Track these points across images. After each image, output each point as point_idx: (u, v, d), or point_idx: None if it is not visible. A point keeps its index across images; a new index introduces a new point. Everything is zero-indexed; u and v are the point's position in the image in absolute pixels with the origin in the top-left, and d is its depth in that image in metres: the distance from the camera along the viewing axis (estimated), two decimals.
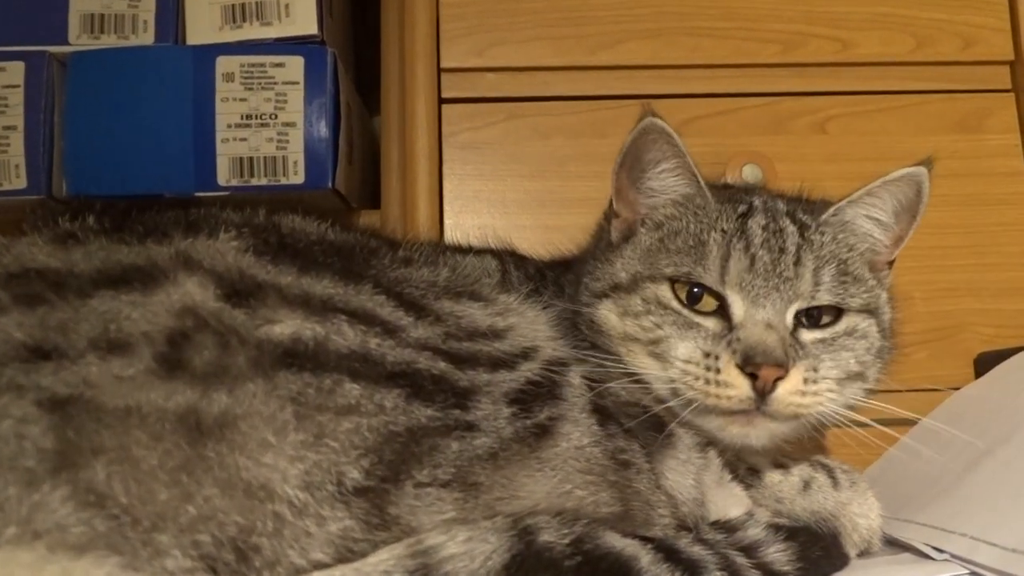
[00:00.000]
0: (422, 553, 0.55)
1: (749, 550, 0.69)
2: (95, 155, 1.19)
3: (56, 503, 0.50)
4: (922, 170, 0.83)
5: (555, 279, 0.94)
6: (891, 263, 0.88)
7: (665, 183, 0.85)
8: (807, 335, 0.79)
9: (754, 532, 0.72)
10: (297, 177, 1.19)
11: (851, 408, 0.81)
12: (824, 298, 0.80)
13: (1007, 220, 1.30)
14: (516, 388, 0.66)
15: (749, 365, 0.75)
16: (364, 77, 1.47)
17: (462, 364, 0.65)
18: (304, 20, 1.21)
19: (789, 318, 0.78)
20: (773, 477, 0.82)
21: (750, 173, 1.25)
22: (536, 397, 0.66)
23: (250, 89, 1.20)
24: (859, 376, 0.81)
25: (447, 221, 1.29)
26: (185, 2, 1.22)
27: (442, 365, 0.64)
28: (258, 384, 0.56)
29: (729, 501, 0.78)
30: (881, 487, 0.83)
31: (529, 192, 1.30)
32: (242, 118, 1.19)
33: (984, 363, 1.21)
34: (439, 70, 1.30)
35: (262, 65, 1.20)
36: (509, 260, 0.97)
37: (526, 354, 0.70)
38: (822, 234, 0.83)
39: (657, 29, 1.31)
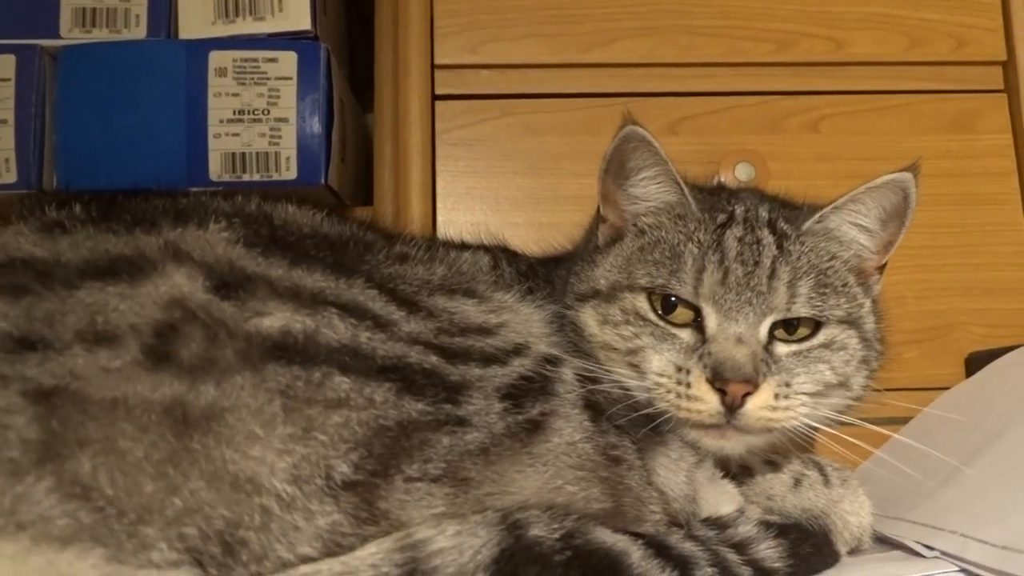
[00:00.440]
0: (411, 547, 0.55)
1: (740, 547, 0.69)
2: (86, 150, 1.18)
3: (40, 494, 0.49)
4: (907, 176, 0.81)
5: (547, 275, 0.94)
6: (882, 268, 0.87)
7: (647, 190, 0.85)
8: (782, 348, 0.78)
9: (745, 529, 0.72)
10: (289, 173, 1.19)
11: (837, 415, 0.80)
12: (800, 311, 0.78)
13: (999, 220, 1.31)
14: (508, 383, 0.66)
15: (718, 380, 0.74)
16: (358, 74, 1.47)
17: (454, 359, 0.65)
18: (297, 15, 1.21)
19: (763, 331, 0.77)
20: (764, 474, 0.82)
21: (743, 171, 1.25)
22: (528, 393, 0.66)
23: (243, 84, 1.19)
24: (840, 386, 0.80)
25: (440, 218, 1.29)
26: None
27: (433, 360, 0.63)
28: (246, 377, 0.55)
29: (720, 498, 0.78)
30: (872, 485, 0.83)
31: (522, 189, 1.30)
32: (234, 113, 1.19)
33: (975, 362, 1.21)
34: (433, 67, 1.29)
35: (255, 60, 1.19)
36: (502, 256, 0.96)
37: (518, 350, 0.69)
38: (802, 244, 0.81)
39: (651, 27, 1.31)
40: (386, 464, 0.57)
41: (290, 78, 1.19)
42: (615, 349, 0.81)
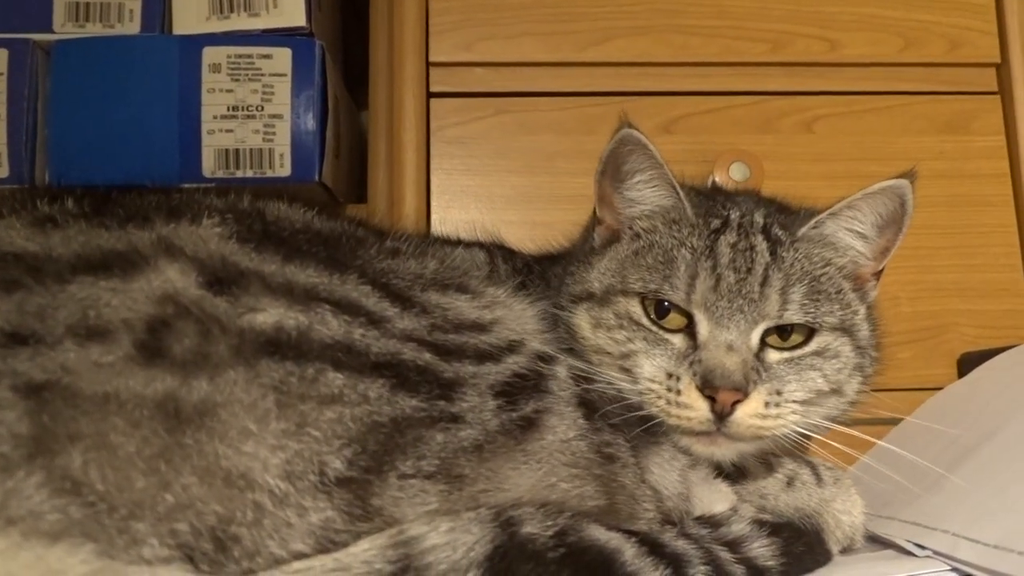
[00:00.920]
0: (404, 544, 0.55)
1: (733, 545, 0.69)
2: (78, 145, 1.18)
3: (31, 489, 0.49)
4: (904, 183, 0.81)
5: (542, 273, 0.94)
6: (878, 274, 0.86)
7: (643, 194, 0.84)
8: (774, 355, 0.78)
9: (738, 527, 0.72)
10: (283, 170, 1.18)
11: (829, 421, 0.80)
12: (793, 317, 0.78)
13: (992, 221, 1.31)
14: (502, 380, 0.65)
15: (708, 388, 0.74)
16: (352, 71, 1.47)
17: (448, 356, 0.64)
18: (292, 11, 1.21)
19: (754, 339, 0.77)
20: (758, 473, 0.82)
21: (738, 171, 1.25)
22: (522, 390, 0.66)
23: (237, 80, 1.19)
24: (833, 393, 0.80)
25: (434, 216, 1.28)
26: None
27: (427, 356, 0.63)
28: (239, 372, 0.55)
29: (714, 496, 0.78)
30: (864, 484, 0.83)
31: (516, 188, 1.30)
32: (228, 109, 1.19)
33: (968, 363, 1.22)
34: (427, 64, 1.29)
35: (249, 56, 1.19)
36: (498, 253, 0.96)
37: (512, 347, 0.69)
38: (796, 251, 0.81)
39: (646, 26, 1.31)
40: (380, 460, 0.56)
41: (284, 74, 1.19)
42: (608, 353, 0.80)
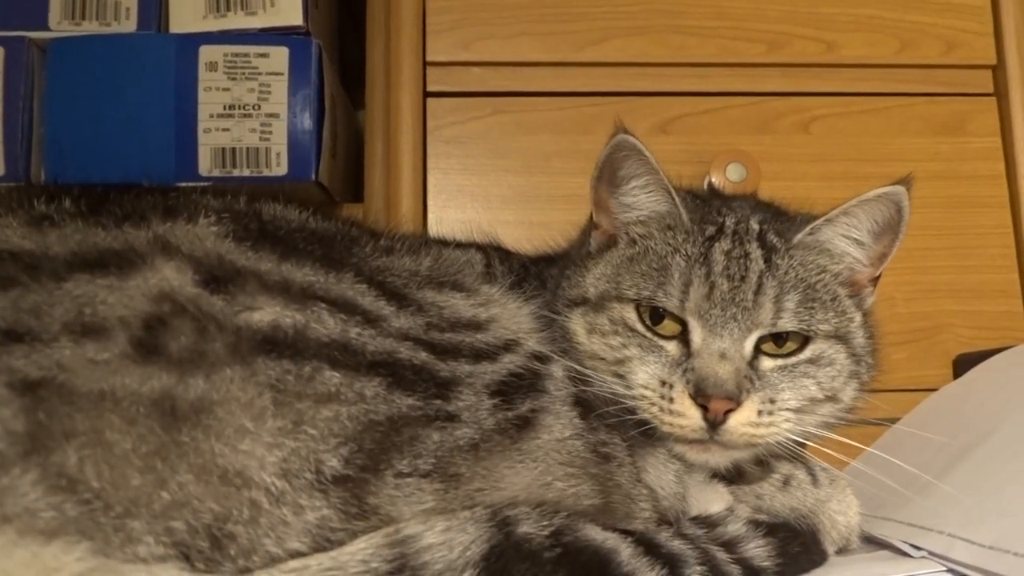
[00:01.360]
0: (400, 543, 0.55)
1: (729, 545, 0.69)
2: (74, 143, 1.17)
3: (26, 487, 0.49)
4: (901, 189, 0.80)
5: (539, 274, 0.94)
6: (875, 281, 0.86)
7: (638, 199, 0.84)
8: (768, 363, 0.78)
9: (734, 528, 0.72)
10: (280, 169, 1.18)
11: (824, 428, 0.80)
12: (786, 325, 0.78)
13: (988, 223, 1.32)
14: (498, 380, 0.65)
15: (700, 396, 0.74)
16: (349, 71, 1.47)
17: (444, 355, 0.64)
18: (289, 10, 1.21)
19: (748, 347, 0.77)
20: (754, 474, 0.82)
21: (734, 172, 1.25)
22: (518, 389, 0.66)
23: (233, 79, 1.19)
24: (828, 400, 0.80)
25: (431, 215, 1.28)
26: None
27: (423, 355, 0.63)
28: (236, 370, 0.55)
29: (710, 497, 0.78)
30: (860, 485, 0.83)
31: (513, 187, 1.30)
32: (225, 108, 1.19)
33: (963, 364, 1.22)
34: (424, 64, 1.29)
35: (246, 55, 1.19)
36: (494, 254, 0.96)
37: (508, 346, 0.69)
38: (791, 258, 0.81)
39: (644, 27, 1.31)
40: (376, 459, 0.56)
41: (281, 73, 1.19)
42: (602, 359, 0.80)
